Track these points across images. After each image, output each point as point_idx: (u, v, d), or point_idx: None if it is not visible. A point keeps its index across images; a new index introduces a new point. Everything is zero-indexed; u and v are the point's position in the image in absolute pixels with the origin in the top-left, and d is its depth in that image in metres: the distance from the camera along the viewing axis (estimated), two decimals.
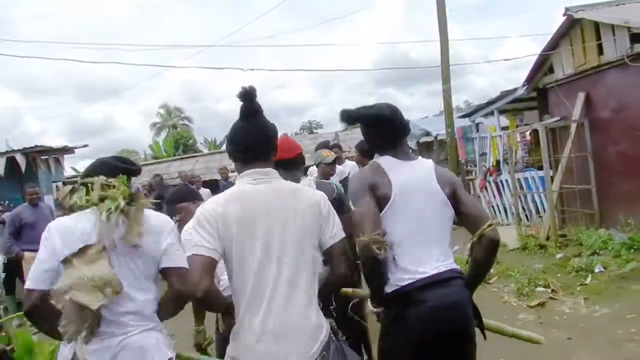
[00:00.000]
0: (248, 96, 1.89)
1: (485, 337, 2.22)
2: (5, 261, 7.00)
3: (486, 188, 9.99)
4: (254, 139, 1.90)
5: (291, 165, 2.64)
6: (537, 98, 9.01)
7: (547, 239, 7.23)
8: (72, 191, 2.02)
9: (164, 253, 1.90)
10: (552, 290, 5.44)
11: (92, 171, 2.03)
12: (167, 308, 1.96)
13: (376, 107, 2.15)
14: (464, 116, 11.57)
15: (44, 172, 8.41)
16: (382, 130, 2.14)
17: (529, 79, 8.51)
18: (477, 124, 10.76)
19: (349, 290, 2.41)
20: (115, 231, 1.85)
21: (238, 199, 1.81)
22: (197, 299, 1.78)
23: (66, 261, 1.77)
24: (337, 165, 5.80)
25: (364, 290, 2.27)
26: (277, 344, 1.74)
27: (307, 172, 5.52)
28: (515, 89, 8.97)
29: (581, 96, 7.42)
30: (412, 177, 2.06)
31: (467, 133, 10.82)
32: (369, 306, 2.15)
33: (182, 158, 26.36)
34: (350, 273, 1.95)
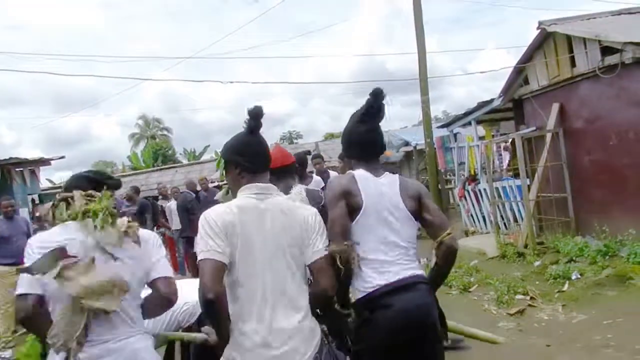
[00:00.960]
0: (257, 114, 2.06)
1: (447, 339, 2.37)
2: None
3: (465, 197, 10.13)
4: (260, 153, 2.08)
5: (284, 173, 2.83)
6: (513, 109, 9.20)
7: (525, 246, 7.36)
8: (54, 206, 2.07)
9: (153, 267, 2.01)
10: (531, 298, 5.53)
11: (70, 186, 2.09)
12: (152, 310, 2.09)
13: (367, 129, 2.32)
14: (442, 126, 11.74)
15: (20, 185, 8.23)
16: (359, 148, 2.32)
17: (505, 90, 8.69)
18: (455, 134, 10.91)
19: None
20: (104, 243, 1.92)
21: (243, 212, 1.93)
22: (207, 301, 1.80)
23: (59, 275, 1.78)
24: (314, 175, 5.80)
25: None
26: (274, 349, 1.85)
27: (312, 180, 5.52)
28: (491, 100, 9.14)
29: (555, 107, 7.60)
30: (380, 192, 2.20)
31: (445, 143, 10.97)
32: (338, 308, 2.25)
33: (161, 169, 26.07)
34: (331, 288, 2.00)
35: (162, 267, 2.04)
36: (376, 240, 2.15)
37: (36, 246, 1.90)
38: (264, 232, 1.92)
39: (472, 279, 6.67)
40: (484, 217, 9.58)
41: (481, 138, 10.64)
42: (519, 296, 5.63)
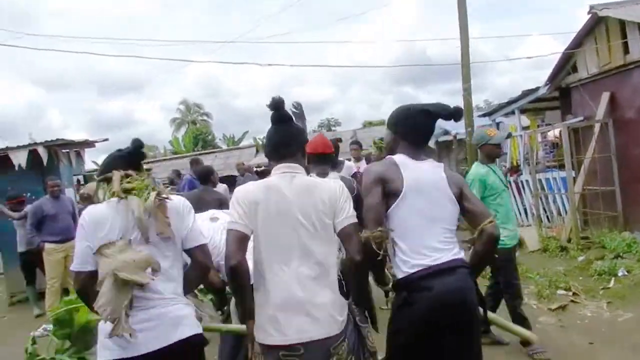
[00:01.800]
0: (277, 105, 2.20)
1: (487, 320, 2.42)
2: (25, 251, 7.12)
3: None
4: (281, 142, 2.20)
5: (323, 160, 3.08)
6: (559, 98, 8.85)
7: (569, 241, 7.11)
8: (98, 187, 2.24)
9: (188, 235, 2.17)
10: (574, 294, 5.33)
11: (109, 165, 2.25)
12: (192, 280, 2.25)
13: (413, 113, 2.33)
14: (484, 115, 11.40)
15: (66, 166, 8.46)
16: (410, 131, 2.33)
17: (551, 78, 8.36)
18: (498, 124, 10.59)
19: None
20: (148, 224, 2.07)
21: (268, 189, 2.08)
22: (231, 267, 1.99)
23: (99, 252, 2.00)
24: (345, 161, 5.78)
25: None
26: (302, 323, 1.98)
27: (344, 165, 5.54)
28: (537, 88, 8.81)
29: (605, 96, 7.27)
30: (424, 176, 2.23)
31: None
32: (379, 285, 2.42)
33: (200, 154, 26.54)
34: (358, 253, 2.06)
35: (197, 235, 2.20)
36: (417, 223, 2.17)
37: (89, 219, 2.09)
38: (289, 211, 2.05)
39: None
40: (525, 210, 9.30)
41: (525, 128, 10.31)
42: (560, 291, 5.44)
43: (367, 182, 2.23)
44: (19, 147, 8.12)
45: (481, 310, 2.31)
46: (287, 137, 2.21)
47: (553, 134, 9.00)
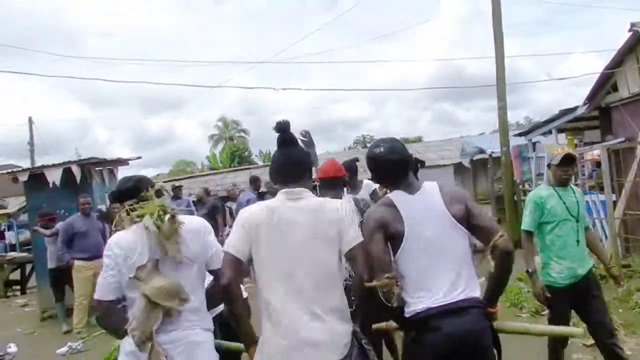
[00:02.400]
0: (282, 128, 2.23)
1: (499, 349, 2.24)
2: (55, 267, 7.26)
3: None
4: (287, 164, 2.20)
5: (335, 184, 3.18)
6: (599, 117, 8.49)
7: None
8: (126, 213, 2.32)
9: (211, 258, 2.25)
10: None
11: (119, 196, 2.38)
12: (214, 300, 2.33)
13: (380, 153, 2.27)
14: (520, 134, 11.07)
15: (98, 183, 8.65)
16: (385, 171, 2.29)
17: (590, 98, 8.04)
18: (534, 143, 10.25)
19: (382, 325, 2.47)
20: (162, 247, 2.15)
21: (272, 211, 2.08)
22: (222, 285, 2.05)
23: (135, 276, 2.10)
24: (364, 180, 5.65)
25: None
26: (301, 350, 1.96)
27: (362, 184, 5.45)
28: (575, 108, 8.49)
29: None
30: (422, 208, 2.17)
31: (523, 152, 10.33)
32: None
33: (236, 170, 26.86)
34: (366, 274, 2.04)
35: (219, 257, 2.20)
36: (424, 262, 2.12)
37: (115, 246, 2.19)
38: (293, 234, 2.04)
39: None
40: None
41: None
42: None
43: (367, 229, 2.17)
44: (54, 166, 8.37)
45: (495, 350, 2.22)
46: (292, 160, 2.22)
47: (592, 154, 8.61)
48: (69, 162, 8.30)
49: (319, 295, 2.02)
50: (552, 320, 3.69)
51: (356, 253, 2.06)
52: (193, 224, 2.29)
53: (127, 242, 2.19)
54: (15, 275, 11.95)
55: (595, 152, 8.22)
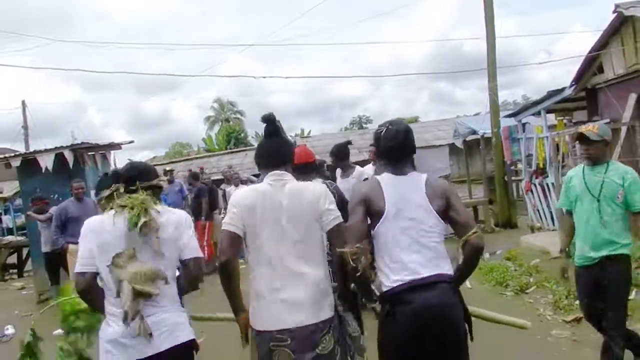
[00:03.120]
0: (268, 120, 2.48)
1: (472, 338, 2.40)
2: (50, 251, 7.37)
3: (532, 191, 9.62)
4: (272, 152, 2.46)
5: (306, 169, 3.28)
6: (586, 98, 8.55)
7: None
8: (108, 198, 2.46)
9: (184, 247, 2.37)
10: None
11: (111, 182, 2.52)
12: (185, 288, 2.47)
13: (383, 134, 2.44)
14: (509, 116, 11.13)
15: (91, 168, 8.71)
16: (388, 152, 2.44)
17: (577, 79, 8.10)
18: (524, 124, 10.32)
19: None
20: (140, 237, 2.28)
21: (262, 194, 2.32)
22: (221, 262, 2.26)
23: (113, 263, 2.21)
24: (357, 167, 5.70)
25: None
26: (287, 309, 2.22)
27: (355, 170, 5.48)
28: (562, 89, 8.54)
29: (632, 97, 7.00)
30: (406, 194, 2.34)
31: (513, 133, 10.38)
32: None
33: (232, 152, 26.84)
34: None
35: (192, 247, 2.40)
36: (400, 240, 2.29)
37: (89, 229, 2.33)
38: (280, 213, 2.29)
39: (531, 279, 6.33)
40: (551, 213, 9.04)
41: (553, 127, 10.02)
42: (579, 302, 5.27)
43: (352, 202, 2.38)
44: (46, 151, 8.43)
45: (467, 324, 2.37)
46: (277, 148, 2.47)
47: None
48: (62, 147, 8.35)
49: (303, 269, 2.28)
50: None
51: (336, 231, 2.31)
52: (174, 216, 2.43)
53: (101, 228, 2.32)
54: (12, 259, 12.08)
55: None
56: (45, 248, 7.51)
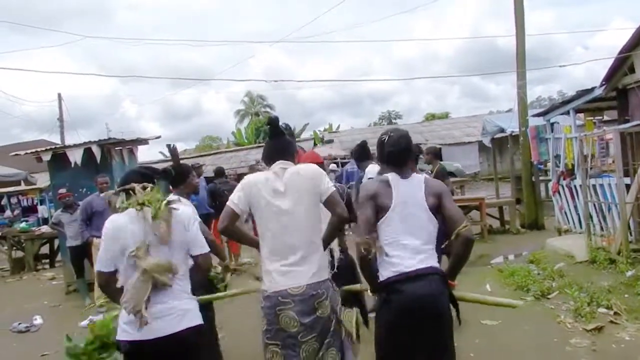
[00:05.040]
0: (272, 122, 2.90)
1: (460, 323, 2.77)
2: (74, 245, 7.62)
3: (559, 192, 9.39)
4: (277, 150, 2.84)
5: None
6: (616, 98, 8.26)
7: (619, 253, 6.67)
8: (116, 194, 2.72)
9: (192, 242, 2.66)
10: (615, 313, 4.99)
11: (128, 179, 2.73)
12: (195, 279, 2.78)
13: (393, 141, 2.72)
14: (537, 115, 10.85)
15: (118, 162, 8.91)
16: (391, 158, 2.73)
17: (607, 79, 7.82)
18: (552, 124, 10.05)
19: (357, 286, 3.38)
20: (154, 230, 2.53)
21: (267, 177, 2.73)
22: (220, 230, 2.74)
23: (135, 255, 2.48)
24: (371, 164, 5.66)
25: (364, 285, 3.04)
26: (290, 276, 2.62)
27: (367, 169, 5.53)
28: (592, 89, 8.28)
29: None
30: (410, 194, 2.63)
31: (541, 133, 10.13)
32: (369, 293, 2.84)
33: (259, 146, 27.00)
34: (344, 214, 2.73)
35: (200, 242, 2.70)
36: (400, 235, 2.57)
37: (110, 230, 2.58)
38: (282, 189, 2.68)
39: (554, 284, 6.20)
40: (579, 216, 8.80)
41: (582, 127, 9.75)
42: (601, 309, 5.12)
43: (362, 197, 2.67)
44: (75, 146, 8.66)
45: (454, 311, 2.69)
46: (281, 147, 2.85)
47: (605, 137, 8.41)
48: (90, 142, 8.58)
49: (305, 238, 2.68)
50: None
51: (332, 199, 2.70)
52: (182, 214, 2.68)
53: (121, 228, 2.57)
54: (45, 249, 12.47)
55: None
56: (70, 242, 7.74)
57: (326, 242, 2.80)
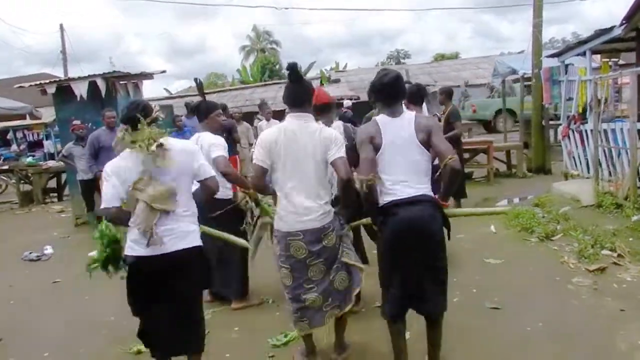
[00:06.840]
0: (292, 68, 3.10)
1: (449, 238, 2.98)
2: (84, 179, 7.66)
3: (569, 137, 9.27)
4: (294, 95, 3.11)
5: (325, 110, 3.71)
6: (636, 39, 7.97)
7: (626, 198, 6.65)
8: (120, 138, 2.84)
9: (197, 171, 2.87)
10: (618, 255, 5.02)
11: (129, 115, 2.81)
12: (201, 197, 3.00)
13: (384, 79, 2.97)
14: (552, 56, 10.51)
15: (123, 97, 8.78)
16: (382, 95, 3.02)
17: (628, 18, 7.47)
18: (567, 66, 9.76)
19: (362, 221, 3.46)
20: (154, 162, 2.68)
21: (285, 132, 3.02)
22: (253, 185, 3.37)
23: (134, 187, 2.67)
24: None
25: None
26: (300, 217, 3.00)
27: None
28: (611, 28, 7.95)
29: None
30: (397, 130, 2.90)
31: (554, 75, 9.87)
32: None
33: (265, 84, 26.58)
34: (347, 174, 2.92)
35: (205, 170, 2.91)
36: (394, 168, 2.87)
37: (110, 171, 2.74)
38: (297, 146, 2.98)
39: (558, 227, 6.23)
40: (587, 160, 8.71)
41: (598, 70, 9.48)
42: (605, 251, 5.15)
43: (359, 141, 2.94)
44: (80, 78, 8.52)
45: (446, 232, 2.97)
46: (300, 91, 3.12)
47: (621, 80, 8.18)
48: (94, 75, 8.43)
49: (313, 188, 3.00)
50: None
51: (337, 163, 2.94)
52: (182, 145, 2.91)
53: (119, 167, 2.74)
54: (52, 183, 12.60)
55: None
56: (81, 175, 7.78)
57: (341, 201, 3.16)
